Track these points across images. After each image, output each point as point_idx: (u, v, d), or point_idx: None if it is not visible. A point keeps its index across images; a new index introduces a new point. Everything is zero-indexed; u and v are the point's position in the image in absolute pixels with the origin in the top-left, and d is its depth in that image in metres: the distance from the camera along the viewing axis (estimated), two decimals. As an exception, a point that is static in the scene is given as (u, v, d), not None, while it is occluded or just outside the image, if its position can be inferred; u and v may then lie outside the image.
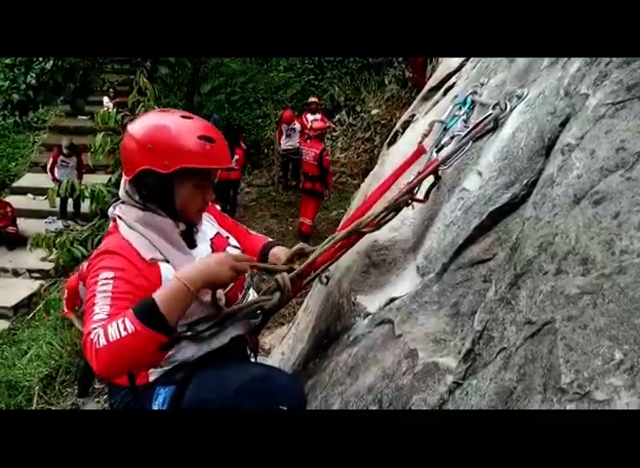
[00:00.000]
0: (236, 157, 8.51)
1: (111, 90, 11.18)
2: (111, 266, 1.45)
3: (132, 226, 1.55)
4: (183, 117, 1.57)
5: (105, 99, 10.96)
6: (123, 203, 1.63)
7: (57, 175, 9.65)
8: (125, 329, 1.29)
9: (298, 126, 9.95)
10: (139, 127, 1.57)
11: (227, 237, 1.79)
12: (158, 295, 1.37)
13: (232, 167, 1.71)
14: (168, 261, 1.54)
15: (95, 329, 1.32)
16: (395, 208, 1.83)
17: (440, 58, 3.48)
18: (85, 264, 1.78)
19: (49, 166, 9.92)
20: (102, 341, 1.29)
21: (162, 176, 1.51)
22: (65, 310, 5.39)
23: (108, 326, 1.31)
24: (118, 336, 1.29)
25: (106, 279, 1.42)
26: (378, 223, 1.83)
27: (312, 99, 10.40)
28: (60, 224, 9.61)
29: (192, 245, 1.64)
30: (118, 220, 1.59)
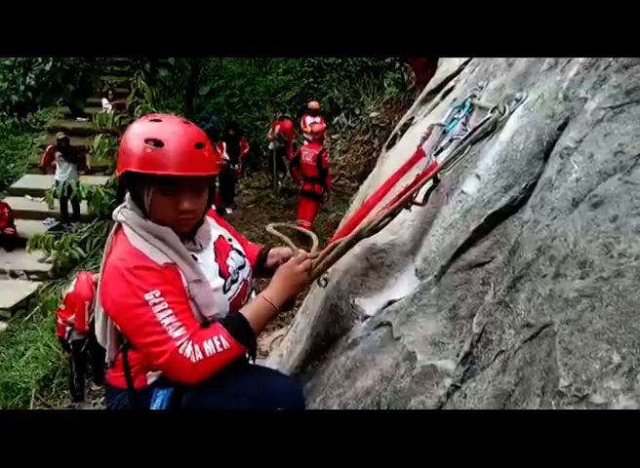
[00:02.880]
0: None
1: (110, 92, 11.19)
2: (150, 283, 1.45)
3: (139, 233, 1.53)
4: (152, 120, 1.53)
5: (104, 101, 10.97)
6: (125, 207, 1.61)
7: (56, 172, 9.66)
8: (221, 345, 1.44)
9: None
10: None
11: (230, 239, 1.77)
12: (248, 314, 1.53)
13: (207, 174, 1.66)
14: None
15: (181, 345, 1.42)
16: (394, 213, 1.82)
17: (439, 60, 3.48)
18: (97, 276, 1.78)
19: (43, 156, 9.93)
20: (199, 356, 1.42)
21: (122, 180, 1.53)
22: (60, 328, 5.37)
23: (203, 342, 1.44)
24: (214, 352, 1.43)
25: (155, 297, 1.44)
26: (375, 228, 1.82)
27: (313, 104, 10.40)
28: (55, 224, 9.63)
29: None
30: (124, 226, 1.57)
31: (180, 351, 1.41)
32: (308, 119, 10.01)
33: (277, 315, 1.62)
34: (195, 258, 1.58)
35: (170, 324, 1.43)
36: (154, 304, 1.43)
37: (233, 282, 1.64)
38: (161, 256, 1.50)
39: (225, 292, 1.61)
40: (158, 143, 1.46)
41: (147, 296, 1.43)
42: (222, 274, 1.62)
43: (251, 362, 1.80)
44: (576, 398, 0.88)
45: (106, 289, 1.52)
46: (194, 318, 1.50)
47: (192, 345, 1.42)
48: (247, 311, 1.55)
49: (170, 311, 1.43)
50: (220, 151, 9.73)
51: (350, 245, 1.79)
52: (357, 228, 1.81)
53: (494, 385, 1.11)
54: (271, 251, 1.87)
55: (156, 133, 1.48)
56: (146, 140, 1.46)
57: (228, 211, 9.82)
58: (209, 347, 1.43)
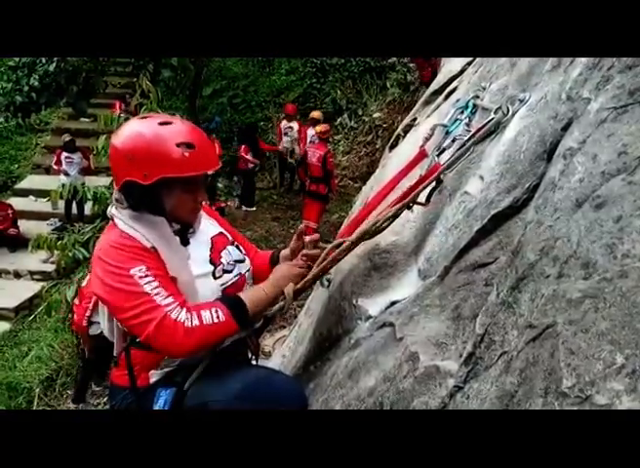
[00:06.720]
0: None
1: (127, 95, 11.11)
2: (136, 259, 1.49)
3: (127, 223, 1.57)
4: (162, 123, 1.53)
5: (123, 106, 10.88)
6: (118, 204, 1.63)
7: (61, 174, 9.71)
8: (217, 317, 1.47)
9: (295, 125, 10.16)
10: (119, 137, 1.55)
11: (233, 242, 1.79)
12: (246, 297, 1.56)
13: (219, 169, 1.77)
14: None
15: (172, 310, 1.44)
16: (396, 214, 1.81)
17: (442, 61, 3.48)
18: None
19: (54, 161, 9.98)
20: (195, 322, 1.45)
21: (145, 187, 1.50)
22: (77, 319, 5.35)
23: (201, 310, 1.47)
24: (211, 322, 1.46)
25: (141, 272, 1.47)
26: (377, 230, 1.82)
27: (315, 113, 9.97)
28: (59, 224, 9.66)
29: (185, 243, 1.64)
30: (115, 218, 1.60)
31: (172, 316, 1.44)
32: (309, 131, 9.81)
33: (270, 303, 1.63)
34: (188, 242, 1.64)
35: (158, 293, 1.45)
36: (140, 277, 1.46)
37: (226, 271, 1.68)
38: (147, 242, 1.54)
39: (216, 278, 1.64)
40: (190, 146, 1.50)
41: (133, 271, 1.47)
42: (212, 261, 1.66)
43: (254, 362, 1.80)
44: (579, 399, 0.87)
45: (94, 270, 1.55)
46: (181, 293, 1.53)
47: (187, 311, 1.45)
48: (244, 295, 1.60)
49: (157, 283, 1.47)
50: (244, 154, 10.03)
51: (352, 247, 1.79)
52: (360, 229, 1.81)
53: (497, 386, 1.11)
54: (281, 254, 1.89)
55: (182, 136, 1.51)
56: (178, 145, 1.48)
57: (250, 209, 10.15)
58: (206, 315, 1.46)
